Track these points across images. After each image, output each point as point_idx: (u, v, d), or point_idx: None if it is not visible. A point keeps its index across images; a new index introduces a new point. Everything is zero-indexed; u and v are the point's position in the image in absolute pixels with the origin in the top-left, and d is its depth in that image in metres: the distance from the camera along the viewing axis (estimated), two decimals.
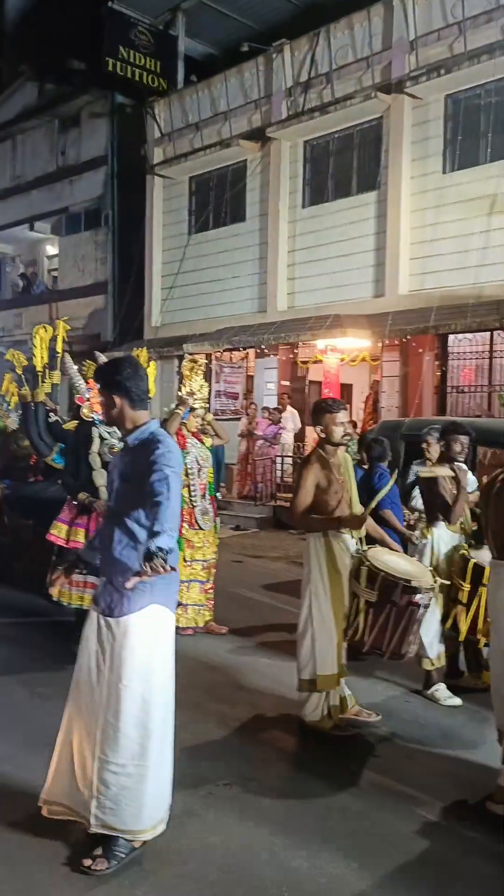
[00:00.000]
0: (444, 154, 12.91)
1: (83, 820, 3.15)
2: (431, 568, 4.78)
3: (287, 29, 15.61)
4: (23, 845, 3.19)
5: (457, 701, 4.94)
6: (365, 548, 4.49)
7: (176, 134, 17.08)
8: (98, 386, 3.33)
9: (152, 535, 2.84)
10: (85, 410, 5.73)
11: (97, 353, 6.20)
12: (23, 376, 6.81)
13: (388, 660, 4.36)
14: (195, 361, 7.13)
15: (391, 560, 4.39)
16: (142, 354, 6.90)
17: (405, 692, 5.17)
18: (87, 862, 3.04)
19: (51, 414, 6.62)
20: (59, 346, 6.54)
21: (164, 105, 17.37)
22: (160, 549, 2.75)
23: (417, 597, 4.14)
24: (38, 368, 6.50)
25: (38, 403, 6.51)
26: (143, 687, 3.10)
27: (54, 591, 5.54)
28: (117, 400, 3.18)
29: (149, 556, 2.76)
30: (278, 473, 14.21)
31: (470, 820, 3.53)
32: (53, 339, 6.58)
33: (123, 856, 3.07)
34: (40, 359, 6.49)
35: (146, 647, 3.11)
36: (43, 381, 6.46)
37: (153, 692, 3.12)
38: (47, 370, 6.46)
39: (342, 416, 4.53)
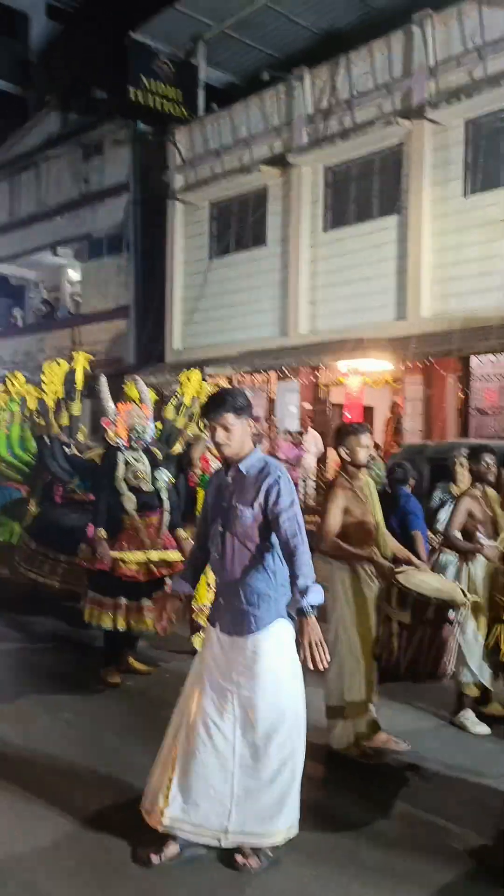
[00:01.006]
0: (464, 177, 12.97)
1: (213, 838, 3.25)
2: (462, 587, 4.73)
3: (307, 57, 15.80)
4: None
5: (485, 729, 4.85)
6: (396, 570, 4.46)
7: (197, 160, 17.29)
8: (225, 414, 3.29)
9: (297, 586, 3.19)
10: (111, 434, 5.76)
11: (134, 377, 6.27)
12: (36, 411, 6.85)
13: (426, 681, 4.32)
14: (217, 386, 7.18)
15: (422, 579, 4.36)
16: (193, 375, 6.95)
17: (433, 718, 5.09)
18: (240, 859, 3.20)
19: (65, 448, 6.60)
20: (79, 378, 6.55)
21: (186, 132, 17.61)
22: (312, 606, 3.15)
23: (450, 613, 4.10)
24: (50, 405, 6.52)
25: (52, 437, 6.50)
26: (277, 698, 3.26)
27: (86, 614, 5.60)
28: (249, 423, 3.37)
29: (301, 612, 3.16)
30: (301, 496, 14.17)
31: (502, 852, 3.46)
32: (73, 372, 6.60)
33: (270, 854, 3.25)
34: (52, 394, 6.53)
35: (278, 659, 3.28)
36: (58, 415, 6.47)
37: (287, 702, 3.29)
38: (65, 402, 6.47)
39: (366, 439, 4.52)
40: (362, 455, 4.49)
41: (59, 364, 6.67)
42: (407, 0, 15.25)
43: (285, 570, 3.33)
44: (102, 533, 5.50)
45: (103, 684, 5.50)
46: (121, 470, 5.61)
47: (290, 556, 3.25)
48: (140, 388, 6.52)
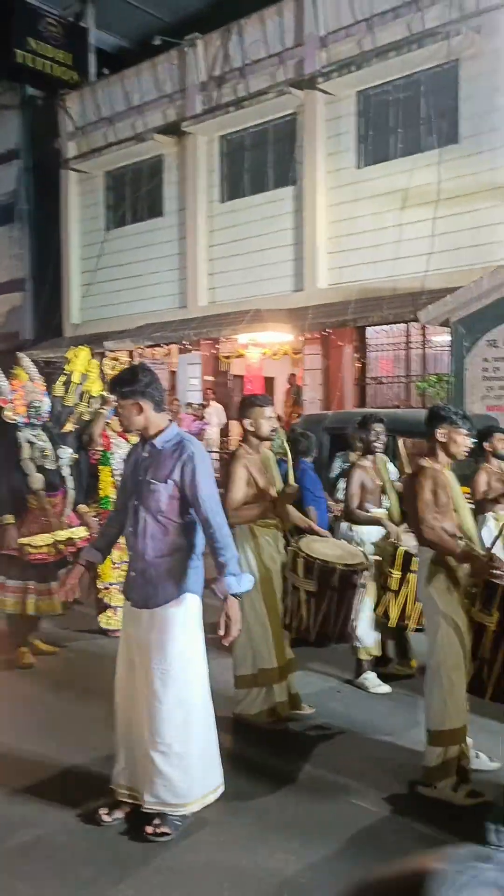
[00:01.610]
0: (357, 149, 13.13)
1: (140, 800, 3.35)
2: (364, 550, 4.90)
3: (199, 23, 15.55)
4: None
5: (386, 688, 5.08)
6: (297, 538, 4.58)
7: (90, 128, 16.85)
8: (117, 396, 3.44)
9: (223, 568, 3.28)
10: (8, 413, 5.63)
11: (20, 355, 6.10)
12: None
13: (336, 643, 4.53)
14: (117, 360, 7.10)
15: (324, 547, 4.50)
16: (81, 352, 6.81)
17: (336, 682, 5.28)
18: (150, 829, 3.26)
19: None
20: None
21: (77, 98, 17.10)
22: (234, 595, 3.29)
23: (354, 577, 4.26)
24: None
25: None
26: (182, 670, 3.33)
27: None
28: (144, 405, 3.37)
29: (226, 595, 3.26)
30: None
31: (401, 804, 3.66)
32: None
33: (179, 824, 3.31)
34: None
35: (183, 633, 3.35)
36: None
37: (191, 674, 3.36)
38: None
39: (270, 411, 4.58)
40: (266, 427, 4.55)
41: None
42: None
43: (198, 546, 3.44)
44: (9, 518, 5.39)
45: (17, 665, 5.45)
46: (26, 450, 5.50)
47: (210, 535, 3.33)
48: (26, 364, 6.39)
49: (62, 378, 6.62)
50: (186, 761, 3.32)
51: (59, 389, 6.62)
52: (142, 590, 3.39)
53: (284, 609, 4.46)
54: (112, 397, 6.37)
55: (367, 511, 5.21)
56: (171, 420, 3.49)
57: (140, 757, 3.37)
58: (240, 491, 4.46)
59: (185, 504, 3.36)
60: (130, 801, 3.42)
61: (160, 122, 15.57)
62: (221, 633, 3.29)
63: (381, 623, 5.10)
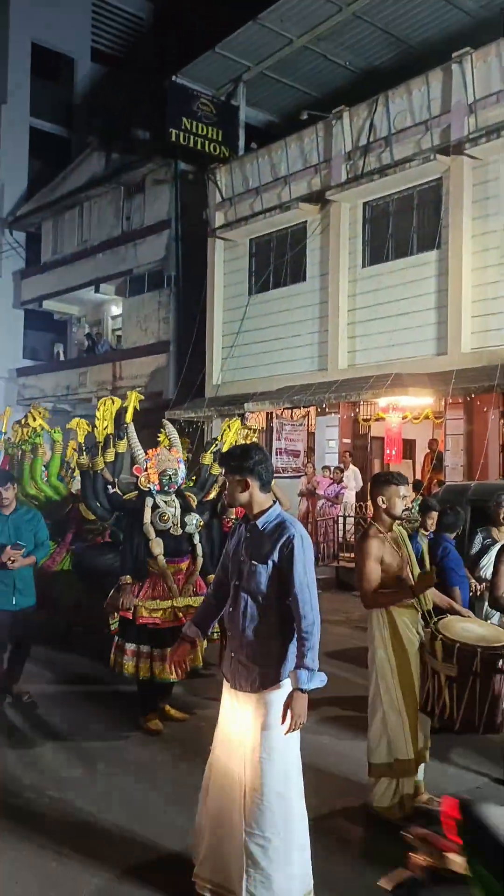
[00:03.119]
0: None
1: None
2: None
3: (346, 95, 15.96)
4: None
5: None
6: (435, 620, 4.34)
7: (237, 198, 17.49)
8: (225, 470, 3.45)
9: (302, 658, 3.17)
10: (142, 480, 5.76)
11: (164, 421, 6.30)
12: (83, 445, 6.91)
13: (482, 734, 4.21)
14: (249, 428, 7.19)
15: (464, 627, 4.24)
16: (234, 424, 6.99)
17: (477, 776, 4.91)
18: None
19: (108, 486, 6.59)
20: (129, 417, 6.59)
21: (226, 171, 17.84)
22: (303, 690, 3.15)
23: (500, 661, 3.97)
24: (99, 439, 6.57)
25: (97, 472, 6.51)
26: (283, 759, 3.21)
27: (111, 660, 5.57)
28: (251, 483, 3.34)
29: (298, 688, 3.15)
30: (340, 533, 14.03)
31: None
32: (124, 410, 6.64)
33: None
34: (102, 430, 6.57)
35: (281, 719, 3.22)
36: (105, 451, 6.50)
37: (291, 766, 3.25)
38: (112, 439, 6.51)
39: (405, 490, 4.41)
40: (400, 506, 4.38)
41: (112, 401, 6.71)
42: (444, 36, 15.49)
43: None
44: (127, 578, 5.48)
45: (145, 731, 5.44)
46: (147, 514, 5.59)
47: (298, 620, 3.23)
48: (169, 431, 6.54)
49: (212, 447, 6.77)
50: (287, 856, 3.15)
51: (207, 458, 6.75)
52: (241, 672, 3.31)
53: (426, 695, 4.22)
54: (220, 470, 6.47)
55: None
56: (274, 501, 3.44)
57: (231, 849, 3.20)
58: (374, 571, 4.29)
59: (285, 587, 3.26)
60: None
61: (305, 192, 15.96)
62: (282, 723, 3.16)
63: None
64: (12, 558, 5.76)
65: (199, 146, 19.00)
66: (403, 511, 4.43)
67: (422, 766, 4.34)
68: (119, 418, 6.66)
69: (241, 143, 19.30)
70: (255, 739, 3.20)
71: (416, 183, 14.09)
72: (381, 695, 4.29)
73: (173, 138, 18.69)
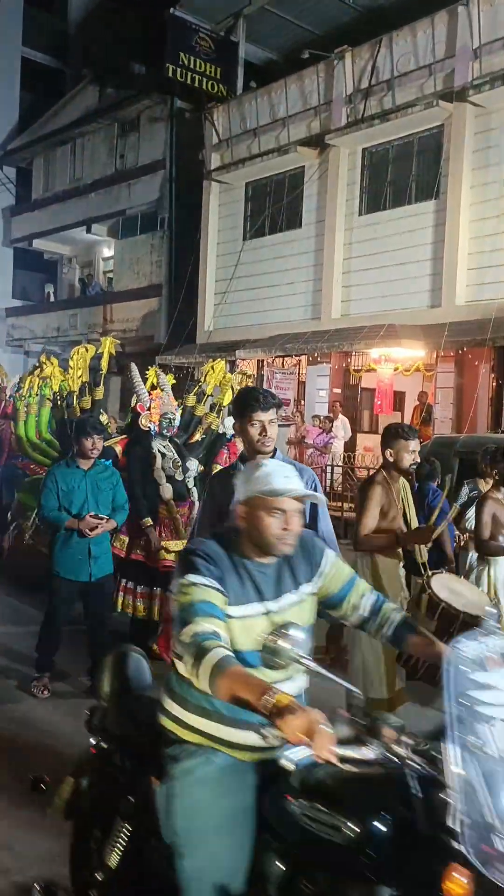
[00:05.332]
0: None
1: None
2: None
3: (349, 35, 15.53)
4: None
5: None
6: (430, 573, 4.43)
7: (234, 139, 17.13)
8: (273, 407, 3.29)
9: None
10: (143, 420, 5.78)
11: (158, 370, 6.31)
12: (58, 393, 6.87)
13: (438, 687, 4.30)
14: (244, 374, 7.18)
15: (453, 589, 4.33)
16: (218, 365, 6.95)
17: None
18: None
19: None
20: (105, 363, 6.55)
21: (223, 111, 17.44)
22: None
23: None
24: (74, 388, 6.54)
25: (73, 421, 6.38)
26: None
27: (119, 602, 5.65)
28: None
29: None
30: (328, 482, 14.12)
31: None
32: (99, 356, 6.60)
33: None
34: (76, 379, 6.54)
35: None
36: (81, 399, 6.46)
37: None
38: (88, 387, 6.49)
39: (415, 444, 4.43)
40: (408, 460, 4.40)
41: (86, 349, 6.68)
42: None
43: None
44: (148, 521, 5.53)
45: None
46: (158, 461, 5.63)
47: None
48: (161, 381, 6.53)
49: (196, 388, 6.74)
50: None
51: (191, 400, 6.74)
52: None
53: None
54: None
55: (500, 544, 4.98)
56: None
57: None
58: (374, 518, 4.35)
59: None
60: None
61: (304, 135, 15.64)
62: None
63: None
64: (92, 527, 4.95)
65: (196, 83, 18.53)
66: (411, 465, 4.46)
67: (400, 709, 4.46)
68: (96, 366, 6.63)
69: (240, 81, 18.84)
70: None
71: (417, 129, 13.83)
72: (360, 637, 4.40)
73: (170, 73, 18.22)
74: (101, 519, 4.98)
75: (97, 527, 4.94)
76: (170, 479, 5.66)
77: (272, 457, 3.30)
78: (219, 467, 6.13)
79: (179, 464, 5.70)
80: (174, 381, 6.91)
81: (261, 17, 18.29)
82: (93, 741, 2.72)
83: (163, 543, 5.54)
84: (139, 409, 5.87)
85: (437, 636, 4.08)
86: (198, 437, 6.70)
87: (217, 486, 3.51)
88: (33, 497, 7.40)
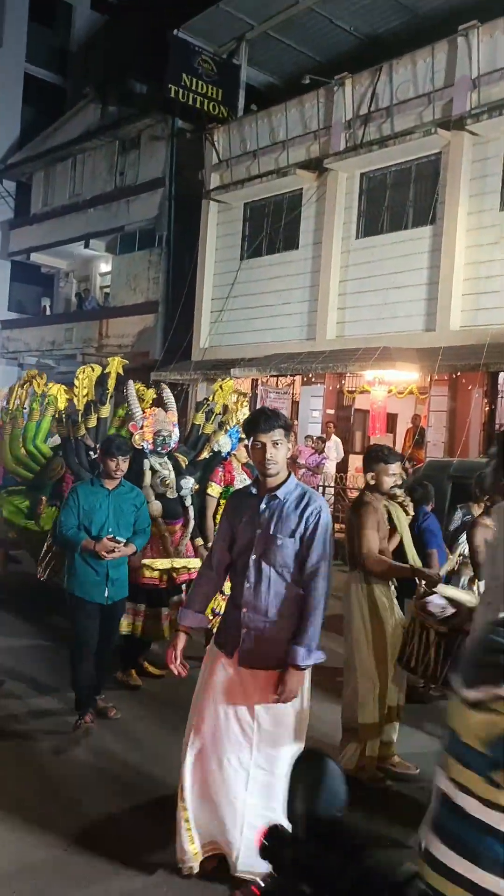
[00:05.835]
0: (502, 191, 12.86)
1: (229, 860, 3.17)
2: None
3: (349, 62, 15.75)
4: None
5: None
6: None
7: (234, 160, 17.29)
8: (279, 428, 3.23)
9: (299, 631, 3.12)
10: (136, 438, 5.79)
11: (162, 385, 6.33)
12: (63, 413, 6.89)
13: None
14: (241, 392, 7.20)
15: (454, 594, 4.42)
16: (227, 384, 6.97)
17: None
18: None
19: (90, 452, 6.43)
20: (112, 383, 6.56)
21: (224, 132, 17.61)
22: (299, 667, 3.11)
23: None
24: (79, 407, 6.54)
25: (78, 439, 6.43)
26: (297, 736, 3.19)
27: None
28: (291, 444, 3.29)
29: (295, 665, 3.09)
30: None
31: None
32: (105, 376, 6.59)
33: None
34: (82, 398, 6.54)
35: (299, 702, 3.21)
36: (87, 418, 6.47)
37: (302, 739, 3.22)
38: (94, 406, 6.49)
39: (395, 468, 4.48)
40: (388, 483, 4.46)
41: (92, 368, 6.69)
42: (451, 8, 15.28)
43: None
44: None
45: (124, 686, 5.55)
46: (147, 478, 5.64)
47: (307, 597, 3.16)
48: (166, 395, 6.55)
49: (204, 407, 6.77)
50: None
51: (199, 418, 6.77)
52: (260, 649, 3.17)
53: (411, 652, 4.37)
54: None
55: None
56: (289, 473, 3.31)
57: (229, 815, 3.16)
58: (375, 537, 4.38)
59: (307, 559, 3.18)
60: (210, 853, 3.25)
61: (303, 158, 15.81)
62: (275, 697, 3.11)
63: None
64: (108, 549, 4.74)
65: (197, 104, 18.69)
66: (392, 488, 4.50)
67: (395, 731, 4.48)
68: (103, 384, 6.63)
69: (241, 103, 19.03)
70: (270, 717, 3.16)
71: (414, 156, 14.00)
72: (355, 663, 4.42)
73: (172, 94, 18.37)
74: (119, 542, 4.79)
75: (114, 550, 4.76)
76: (160, 496, 5.66)
77: (285, 482, 3.24)
78: (214, 485, 6.15)
79: (169, 482, 5.70)
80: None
81: (263, 42, 18.52)
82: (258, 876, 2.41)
83: (148, 561, 5.53)
84: (131, 430, 5.88)
85: (452, 635, 4.20)
86: (205, 454, 6.69)
87: (230, 506, 3.49)
88: (16, 510, 7.34)
